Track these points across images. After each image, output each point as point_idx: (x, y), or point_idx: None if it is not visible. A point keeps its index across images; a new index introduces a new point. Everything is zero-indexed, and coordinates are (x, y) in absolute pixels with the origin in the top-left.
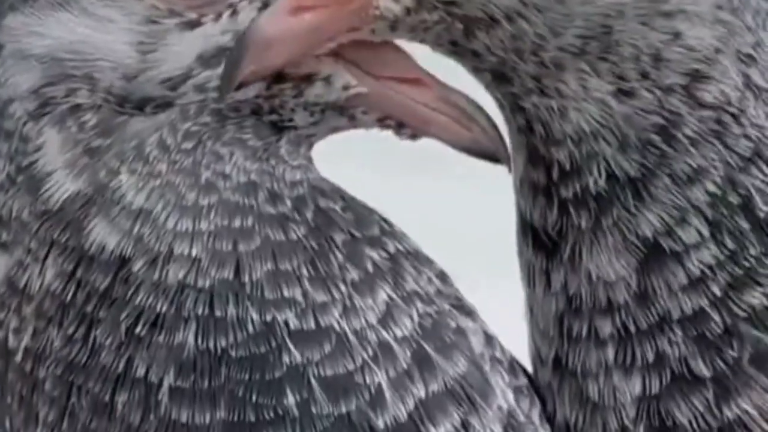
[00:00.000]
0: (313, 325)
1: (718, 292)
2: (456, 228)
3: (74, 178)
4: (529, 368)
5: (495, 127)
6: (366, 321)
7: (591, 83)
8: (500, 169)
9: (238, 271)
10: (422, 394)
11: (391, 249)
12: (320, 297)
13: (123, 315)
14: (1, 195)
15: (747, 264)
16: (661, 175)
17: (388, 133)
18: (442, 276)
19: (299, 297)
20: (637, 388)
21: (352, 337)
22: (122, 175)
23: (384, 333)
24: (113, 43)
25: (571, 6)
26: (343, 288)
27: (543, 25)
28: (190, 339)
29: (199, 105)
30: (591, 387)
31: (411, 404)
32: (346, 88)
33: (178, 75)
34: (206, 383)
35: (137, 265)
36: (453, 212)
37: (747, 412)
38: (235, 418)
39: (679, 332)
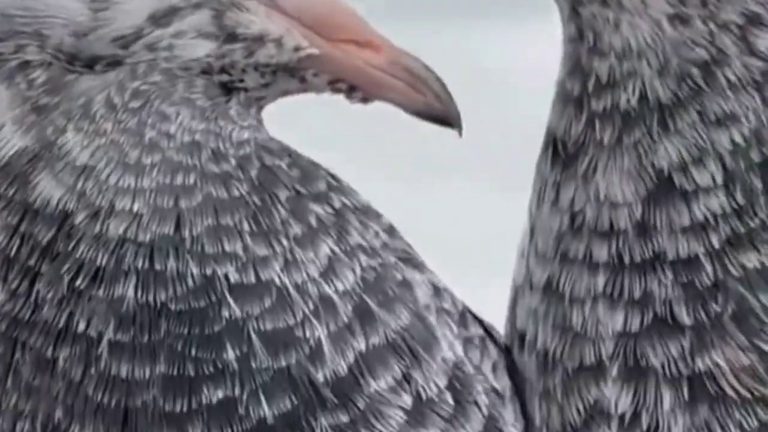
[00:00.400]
0: (253, 279)
1: (716, 244)
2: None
3: (22, 135)
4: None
5: (447, 91)
6: (307, 274)
7: (652, 1)
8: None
9: (178, 226)
10: (362, 347)
11: (337, 204)
12: (261, 251)
13: (64, 268)
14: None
15: (751, 224)
16: (691, 110)
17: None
18: (390, 230)
19: (240, 251)
20: (619, 323)
21: (292, 291)
22: (69, 133)
23: (325, 287)
24: (65, 0)
25: None
26: (285, 242)
27: None
28: (130, 292)
29: (149, 64)
30: (576, 315)
31: (351, 358)
32: (297, 49)
33: (129, 34)
34: (146, 337)
35: (79, 218)
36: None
37: (718, 365)
38: (175, 373)
39: (669, 274)
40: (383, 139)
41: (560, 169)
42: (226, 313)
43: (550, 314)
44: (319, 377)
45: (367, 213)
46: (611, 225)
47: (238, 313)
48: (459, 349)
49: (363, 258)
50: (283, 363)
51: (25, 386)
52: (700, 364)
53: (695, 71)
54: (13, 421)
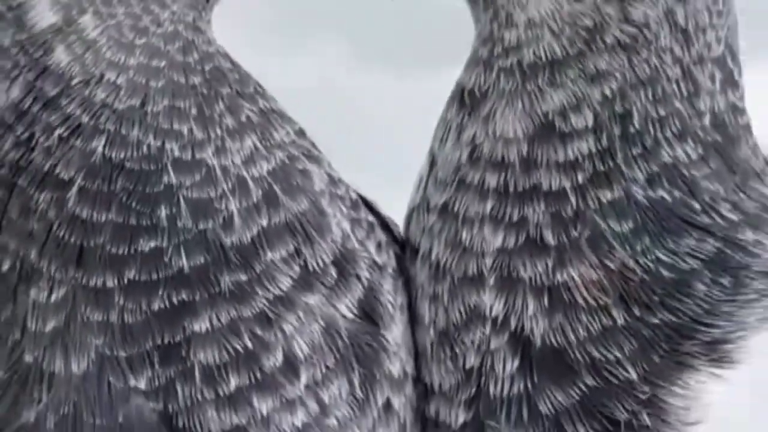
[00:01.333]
0: (190, 156)
1: (581, 180)
2: None
3: (54, 12)
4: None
5: None
6: (232, 161)
7: None
8: None
9: (144, 102)
10: (265, 224)
11: (262, 106)
12: (200, 135)
13: (56, 119)
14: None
15: (610, 164)
16: (574, 67)
17: None
18: (299, 132)
19: (185, 131)
20: (499, 242)
21: (218, 171)
22: (88, 14)
23: (244, 172)
24: None
25: None
26: (218, 131)
27: None
28: (100, 148)
29: None
30: (465, 233)
31: (255, 231)
32: None
33: None
34: (105, 187)
35: (75, 81)
36: None
37: (573, 279)
38: (121, 221)
39: (542, 203)
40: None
41: (466, 113)
42: (165, 179)
43: (444, 232)
44: (227, 242)
45: (282, 116)
46: (502, 158)
47: (174, 180)
48: (346, 226)
49: (277, 153)
50: (202, 226)
51: (11, 226)
52: (559, 277)
53: (582, 35)
54: (0, 260)
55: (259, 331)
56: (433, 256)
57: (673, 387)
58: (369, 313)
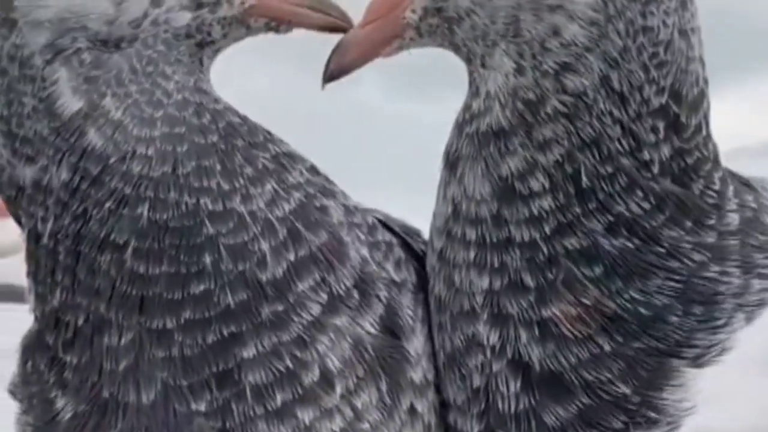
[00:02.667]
0: (221, 207)
1: (548, 231)
2: None
3: (78, 100)
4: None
5: (341, 11)
6: (257, 205)
7: (504, 60)
8: None
9: (175, 167)
10: (292, 258)
11: (273, 152)
12: (227, 186)
13: (103, 194)
14: (28, 123)
15: (570, 218)
16: (519, 137)
17: None
18: (311, 169)
19: (214, 186)
20: (485, 284)
21: (247, 217)
22: (107, 97)
23: (269, 214)
24: (97, 1)
25: (494, 2)
26: (241, 180)
27: (485, 16)
28: (145, 213)
29: (154, 36)
30: (456, 276)
31: (285, 265)
32: (242, 3)
33: (139, 16)
34: (156, 245)
35: (112, 160)
36: None
37: (557, 315)
38: (173, 271)
39: (518, 252)
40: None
41: (447, 172)
42: (204, 231)
43: (441, 273)
44: (263, 278)
45: (293, 157)
46: (476, 215)
47: (212, 231)
48: (364, 252)
49: (294, 193)
50: (241, 267)
51: (81, 287)
52: (544, 314)
53: (524, 108)
54: (74, 317)
55: (297, 353)
56: (436, 292)
57: (663, 390)
58: (391, 328)
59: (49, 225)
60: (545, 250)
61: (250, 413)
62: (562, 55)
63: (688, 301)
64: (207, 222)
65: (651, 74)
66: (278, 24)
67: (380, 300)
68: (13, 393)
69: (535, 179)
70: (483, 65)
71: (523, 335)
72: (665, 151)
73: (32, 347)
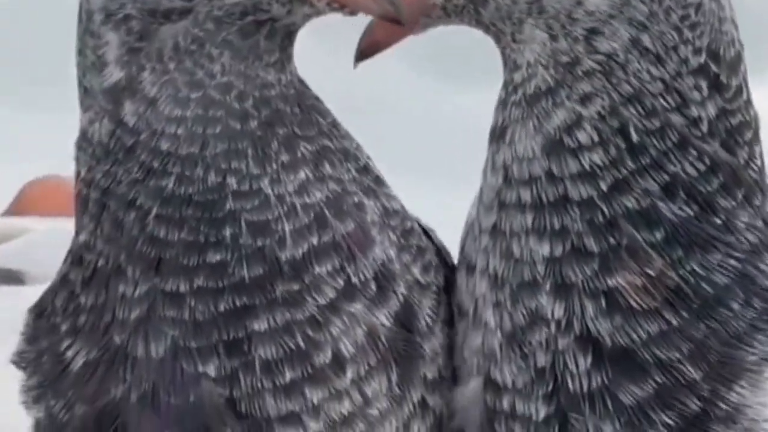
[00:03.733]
0: (247, 187)
1: (604, 188)
2: None
3: (119, 70)
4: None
5: (400, 2)
6: (286, 189)
7: (535, 32)
8: None
9: (203, 147)
10: (315, 242)
11: (319, 144)
12: (256, 170)
13: (132, 164)
14: (88, 75)
15: (626, 173)
16: (565, 90)
17: None
18: (363, 168)
19: (243, 168)
20: (546, 251)
21: (273, 198)
22: (146, 72)
23: (296, 199)
24: None
25: None
26: (274, 165)
27: None
28: (170, 185)
29: (206, 13)
30: (515, 245)
31: (305, 248)
32: None
33: None
34: (177, 214)
35: (143, 136)
36: None
37: (622, 285)
38: (191, 239)
39: (577, 211)
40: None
41: (495, 145)
42: (227, 206)
43: (497, 247)
44: (282, 257)
45: (346, 154)
46: (529, 174)
47: (235, 206)
48: (391, 252)
49: (330, 184)
50: (260, 243)
51: (105, 236)
52: (609, 283)
53: (565, 67)
54: (97, 256)
55: (310, 332)
56: (491, 269)
57: (734, 385)
58: (406, 324)
59: (83, 172)
60: (604, 209)
61: (258, 385)
62: (589, 22)
63: (747, 290)
64: (231, 198)
65: (684, 35)
66: (339, 6)
67: (397, 296)
68: (16, 362)
69: (583, 131)
70: (514, 40)
71: (589, 307)
72: (711, 109)
73: (54, 289)
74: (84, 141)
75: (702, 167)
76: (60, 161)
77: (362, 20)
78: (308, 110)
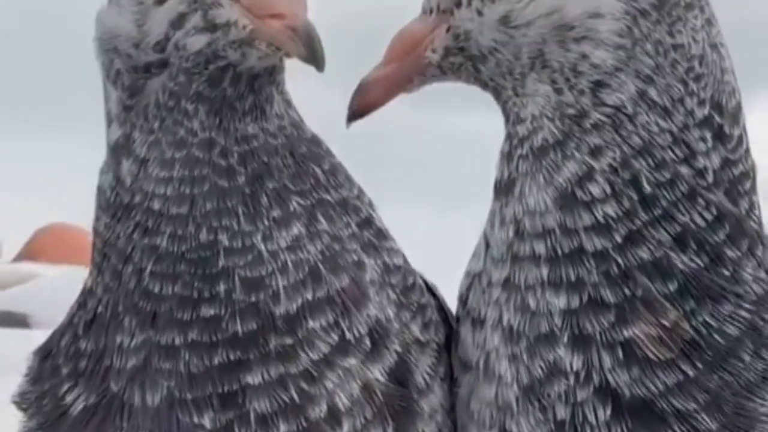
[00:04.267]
0: (240, 245)
1: (618, 240)
2: None
3: (118, 128)
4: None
5: (312, 42)
6: (278, 245)
7: (539, 86)
8: None
9: (191, 207)
10: (309, 297)
11: (315, 198)
12: (248, 227)
13: (129, 222)
14: (107, 127)
15: (639, 224)
16: (574, 142)
17: None
18: (364, 222)
19: (234, 225)
20: (563, 303)
21: (266, 254)
22: (136, 131)
23: (289, 254)
24: (124, 22)
25: (518, 39)
26: (266, 222)
27: (508, 53)
28: (164, 243)
29: (178, 65)
30: (531, 298)
31: (300, 302)
32: (244, 27)
33: (161, 39)
34: (170, 270)
35: (138, 197)
36: None
37: (638, 335)
38: (185, 294)
39: (592, 263)
40: None
41: (503, 197)
42: (220, 263)
43: (511, 301)
44: (276, 311)
45: (344, 207)
46: (542, 227)
47: (228, 263)
48: (389, 311)
49: (325, 239)
50: (253, 298)
51: (105, 285)
52: (626, 334)
53: (570, 121)
54: (97, 303)
55: (304, 386)
56: (505, 322)
57: None
58: (400, 380)
59: (92, 221)
60: (619, 260)
61: None
62: (595, 75)
63: (756, 342)
64: (223, 255)
65: (690, 87)
66: (276, 49)
67: (391, 353)
68: (18, 402)
69: (595, 184)
70: (516, 94)
71: (607, 359)
72: (715, 160)
73: (61, 330)
74: (98, 190)
75: (709, 217)
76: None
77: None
78: (302, 159)
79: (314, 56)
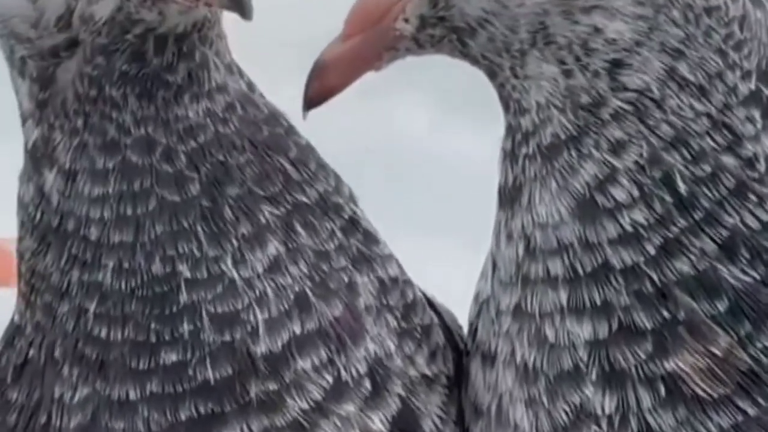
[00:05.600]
0: (205, 274)
1: (652, 252)
2: None
3: (34, 128)
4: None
5: None
6: (254, 270)
7: (543, 66)
8: None
9: (137, 232)
10: (297, 330)
11: (290, 201)
12: (213, 251)
13: (63, 252)
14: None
15: (676, 231)
16: (592, 138)
17: None
18: (349, 225)
19: (195, 250)
20: (588, 333)
21: (239, 283)
22: (56, 131)
23: (268, 281)
24: (16, 0)
25: (513, 10)
26: (234, 242)
27: (502, 26)
28: (107, 280)
29: (91, 44)
30: (548, 328)
31: (285, 338)
32: None
33: (63, 12)
34: (118, 311)
35: (70, 224)
36: None
37: (682, 368)
38: (140, 339)
39: (621, 282)
40: None
41: (508, 208)
42: (182, 299)
43: (524, 332)
44: (257, 351)
45: (324, 207)
46: (558, 242)
47: (192, 298)
48: (389, 344)
49: (309, 256)
50: (228, 338)
51: (35, 324)
52: (667, 367)
53: (585, 109)
54: (28, 344)
55: None
56: (518, 359)
57: None
58: (405, 429)
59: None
60: (654, 277)
61: None
62: (611, 53)
63: None
64: (185, 288)
65: (730, 58)
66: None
67: (396, 398)
68: None
69: (619, 187)
70: (516, 76)
71: (646, 398)
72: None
73: None
74: (19, 203)
75: (765, 217)
76: None
77: None
78: (264, 150)
79: (238, 2)
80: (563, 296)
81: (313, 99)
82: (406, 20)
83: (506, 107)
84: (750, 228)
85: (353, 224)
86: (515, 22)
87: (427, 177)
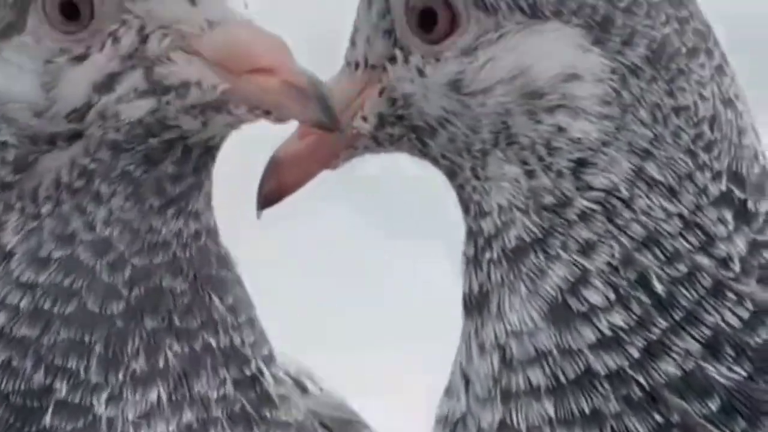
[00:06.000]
0: (77, 400)
1: (636, 354)
2: None
3: None
4: None
5: (326, 102)
6: (122, 413)
7: (505, 167)
8: None
9: (42, 332)
10: None
11: (199, 342)
12: (95, 378)
13: None
14: None
15: (658, 332)
16: (559, 240)
17: None
18: (244, 383)
19: (81, 372)
20: None
21: (104, 422)
22: (13, 213)
23: (133, 428)
24: (21, 86)
25: (474, 109)
26: (120, 377)
27: (464, 126)
28: None
29: (100, 138)
30: None
31: None
32: (214, 87)
33: (80, 105)
34: None
35: None
36: None
37: None
38: None
39: (608, 387)
40: None
41: (476, 316)
42: (44, 422)
43: None
44: None
45: (228, 358)
46: (536, 350)
47: (53, 423)
48: None
49: (191, 411)
50: None
51: None
52: None
53: (550, 211)
54: None
55: None
56: None
57: None
58: None
59: None
60: (641, 381)
61: None
62: (575, 152)
63: None
64: (51, 410)
65: (700, 158)
66: (263, 112)
67: None
68: None
69: (592, 289)
70: (476, 177)
71: None
72: (740, 244)
73: None
74: None
75: (745, 314)
76: None
77: None
78: (203, 285)
79: (330, 117)
80: (549, 407)
81: (267, 197)
82: (365, 118)
83: (466, 210)
84: (731, 326)
85: (252, 381)
86: (477, 122)
87: None
